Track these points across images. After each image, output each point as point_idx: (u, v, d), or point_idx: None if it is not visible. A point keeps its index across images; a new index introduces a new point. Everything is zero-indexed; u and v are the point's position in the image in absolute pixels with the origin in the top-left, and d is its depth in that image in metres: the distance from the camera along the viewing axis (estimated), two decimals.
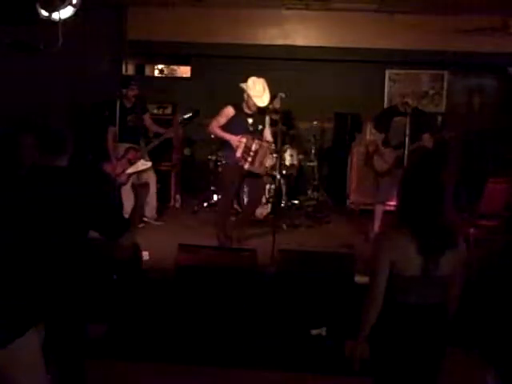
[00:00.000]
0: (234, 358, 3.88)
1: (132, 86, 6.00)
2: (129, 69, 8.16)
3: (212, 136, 6.15)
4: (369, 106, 7.17)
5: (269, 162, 5.65)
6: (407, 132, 5.50)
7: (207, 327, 4.13)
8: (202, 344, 4.00)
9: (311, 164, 7.32)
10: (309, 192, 7.32)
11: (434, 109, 8.01)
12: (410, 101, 5.85)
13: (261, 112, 5.38)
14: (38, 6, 3.86)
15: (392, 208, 6.10)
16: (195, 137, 7.72)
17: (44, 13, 3.90)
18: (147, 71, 9.28)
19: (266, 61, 7.43)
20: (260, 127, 5.41)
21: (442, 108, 8.12)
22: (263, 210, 6.45)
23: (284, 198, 6.69)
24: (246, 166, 5.28)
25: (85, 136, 6.00)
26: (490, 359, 2.68)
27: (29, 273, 2.53)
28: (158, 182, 6.42)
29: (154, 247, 5.09)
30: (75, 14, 3.98)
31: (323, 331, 4.15)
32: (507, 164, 6.53)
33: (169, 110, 7.42)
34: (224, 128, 5.32)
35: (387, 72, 8.03)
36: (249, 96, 5.22)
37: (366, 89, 7.66)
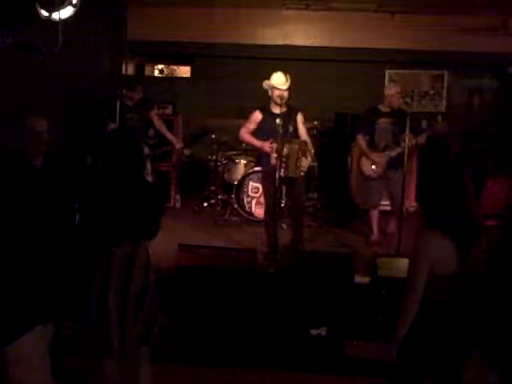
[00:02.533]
0: (234, 358, 3.88)
1: (137, 88, 5.91)
2: (129, 69, 8.16)
3: (211, 139, 5.97)
4: (362, 111, 7.16)
5: (304, 164, 5.11)
6: (392, 133, 5.66)
7: (207, 327, 4.13)
8: (202, 344, 4.00)
9: (311, 164, 7.30)
10: (309, 192, 7.32)
11: (434, 109, 8.02)
12: (409, 100, 5.88)
13: (290, 112, 5.18)
14: (37, 5, 3.86)
15: (387, 208, 6.15)
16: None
17: (44, 13, 3.90)
18: (147, 71, 9.28)
19: (266, 61, 7.42)
20: (290, 128, 5.13)
21: (442, 108, 8.13)
22: (263, 210, 6.45)
23: (284, 198, 6.69)
24: (282, 174, 4.95)
25: (84, 136, 6.01)
26: (493, 360, 2.67)
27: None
28: (157, 182, 6.40)
29: (154, 247, 5.08)
30: (75, 14, 3.98)
31: (323, 331, 4.15)
32: (507, 164, 6.53)
33: (169, 110, 7.41)
34: (254, 133, 5.18)
35: (387, 72, 8.03)
36: (271, 87, 5.08)
37: (366, 89, 7.65)
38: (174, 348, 3.93)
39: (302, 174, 5.14)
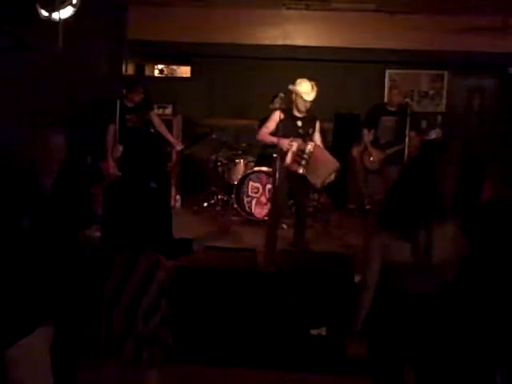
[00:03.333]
0: (234, 358, 3.88)
1: (138, 90, 5.86)
2: (129, 69, 8.16)
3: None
4: (369, 106, 7.17)
5: (330, 178, 5.09)
6: (394, 130, 5.88)
7: (207, 327, 4.13)
8: (202, 344, 4.00)
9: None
10: (309, 192, 7.32)
11: (434, 109, 8.02)
12: (409, 100, 5.97)
13: (311, 118, 5.18)
14: (38, 5, 3.87)
15: None
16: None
17: (44, 13, 3.91)
18: (147, 71, 9.28)
19: (266, 61, 7.43)
20: (310, 131, 5.13)
21: (442, 108, 8.13)
22: (263, 210, 6.46)
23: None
24: (301, 171, 4.94)
25: (84, 137, 6.01)
26: (498, 359, 2.67)
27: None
28: (157, 182, 6.40)
29: None
30: (75, 14, 3.99)
31: (323, 331, 4.15)
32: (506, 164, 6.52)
33: (169, 110, 7.41)
34: (274, 133, 5.10)
35: (387, 72, 8.03)
36: (296, 94, 5.04)
37: (366, 89, 7.66)
38: (175, 348, 3.94)
39: (319, 185, 5.18)
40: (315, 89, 5.09)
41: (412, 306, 2.48)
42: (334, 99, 7.70)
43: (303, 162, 4.94)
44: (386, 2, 6.91)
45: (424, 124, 6.93)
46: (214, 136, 7.01)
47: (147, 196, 2.92)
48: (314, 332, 4.15)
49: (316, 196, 7.23)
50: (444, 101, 8.13)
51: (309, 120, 5.16)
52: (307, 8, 7.35)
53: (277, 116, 5.08)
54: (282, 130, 5.01)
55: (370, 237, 2.54)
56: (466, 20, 7.24)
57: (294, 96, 5.11)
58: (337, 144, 7.85)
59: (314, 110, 5.25)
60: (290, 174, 5.03)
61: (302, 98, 5.04)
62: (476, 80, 8.15)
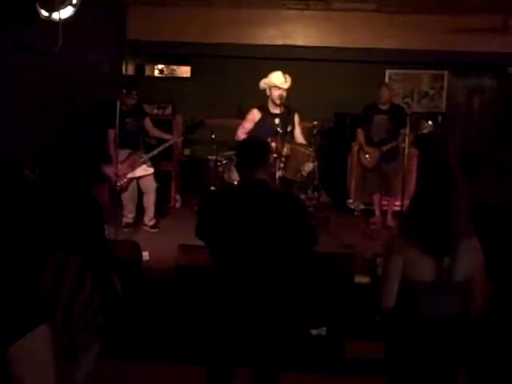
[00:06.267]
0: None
1: (132, 95, 5.88)
2: (129, 69, 8.16)
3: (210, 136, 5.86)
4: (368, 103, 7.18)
5: (306, 169, 5.14)
6: (387, 128, 6.10)
7: (207, 327, 4.12)
8: (202, 344, 3.99)
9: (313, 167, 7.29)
10: (309, 192, 7.31)
11: (434, 109, 8.01)
12: (409, 100, 6.04)
13: (289, 112, 5.15)
14: (37, 5, 3.87)
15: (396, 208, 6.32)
16: (195, 137, 7.72)
17: (44, 13, 3.90)
18: (147, 71, 9.27)
19: (266, 61, 7.42)
20: (289, 128, 5.12)
21: (442, 108, 8.12)
22: None
23: None
24: (279, 174, 4.90)
25: (84, 137, 6.00)
26: (500, 371, 2.64)
27: None
28: (157, 182, 6.40)
29: (154, 247, 5.08)
30: (75, 14, 3.99)
31: (323, 331, 4.15)
32: (506, 164, 6.52)
33: (169, 110, 7.41)
34: (251, 132, 5.11)
35: (387, 72, 8.03)
36: (270, 86, 5.03)
37: (366, 89, 7.64)
38: (175, 348, 3.94)
39: (300, 179, 5.18)
40: (289, 79, 5.08)
41: (432, 329, 2.37)
42: (334, 99, 7.71)
43: (281, 165, 4.90)
44: (386, 1, 6.91)
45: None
46: (213, 136, 7.01)
47: (77, 198, 2.93)
48: (314, 332, 4.15)
49: (315, 195, 7.22)
50: (444, 101, 8.13)
51: (287, 114, 5.12)
52: (307, 8, 7.36)
53: (254, 115, 5.08)
54: (260, 130, 5.01)
55: (391, 253, 2.41)
56: (466, 20, 7.24)
57: (268, 91, 5.09)
58: (337, 144, 7.86)
59: (296, 106, 5.26)
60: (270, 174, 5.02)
61: (275, 86, 5.01)
62: (476, 80, 8.15)
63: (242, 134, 5.15)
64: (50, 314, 2.60)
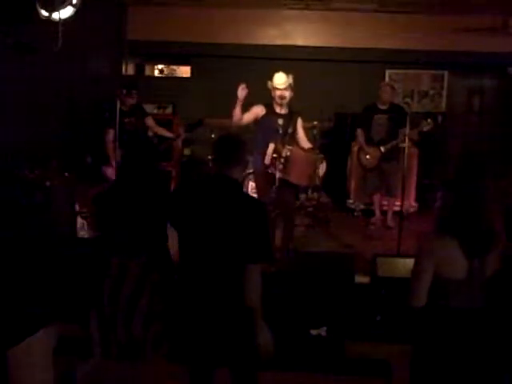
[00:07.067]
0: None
1: (132, 95, 5.85)
2: (129, 69, 8.15)
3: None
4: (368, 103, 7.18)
5: (321, 172, 5.04)
6: (387, 128, 6.14)
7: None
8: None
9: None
10: (309, 192, 7.32)
11: (434, 109, 8.01)
12: (409, 100, 6.05)
13: (292, 114, 5.16)
14: (38, 5, 3.86)
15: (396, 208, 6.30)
16: (195, 137, 7.72)
17: (44, 13, 3.90)
18: (147, 71, 9.28)
19: (266, 61, 7.42)
20: (290, 130, 5.09)
21: (442, 108, 8.12)
22: None
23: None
24: (278, 175, 4.85)
25: (84, 137, 6.00)
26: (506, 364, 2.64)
27: None
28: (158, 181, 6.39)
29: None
30: (75, 14, 3.98)
31: (323, 331, 4.15)
32: (506, 164, 6.53)
33: (169, 110, 7.42)
34: (254, 132, 5.12)
35: (387, 72, 8.03)
36: (272, 87, 5.06)
37: (366, 89, 7.65)
38: (175, 348, 3.94)
39: (320, 180, 5.19)
40: (290, 79, 5.09)
41: (462, 321, 2.39)
42: (334, 99, 7.70)
43: (280, 166, 4.86)
44: (386, 1, 6.91)
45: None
46: (213, 136, 7.01)
47: (141, 200, 2.91)
48: (314, 332, 4.15)
49: (316, 195, 7.23)
50: (444, 101, 8.13)
51: (290, 117, 5.13)
52: (307, 8, 7.36)
53: (258, 110, 5.09)
54: (262, 127, 5.04)
55: (425, 255, 2.43)
56: (465, 20, 7.24)
57: (272, 92, 5.11)
58: (337, 144, 7.86)
59: (296, 106, 5.27)
60: (268, 175, 4.97)
61: (276, 88, 5.04)
62: (476, 80, 8.15)
63: (236, 116, 5.04)
64: (109, 316, 2.61)
